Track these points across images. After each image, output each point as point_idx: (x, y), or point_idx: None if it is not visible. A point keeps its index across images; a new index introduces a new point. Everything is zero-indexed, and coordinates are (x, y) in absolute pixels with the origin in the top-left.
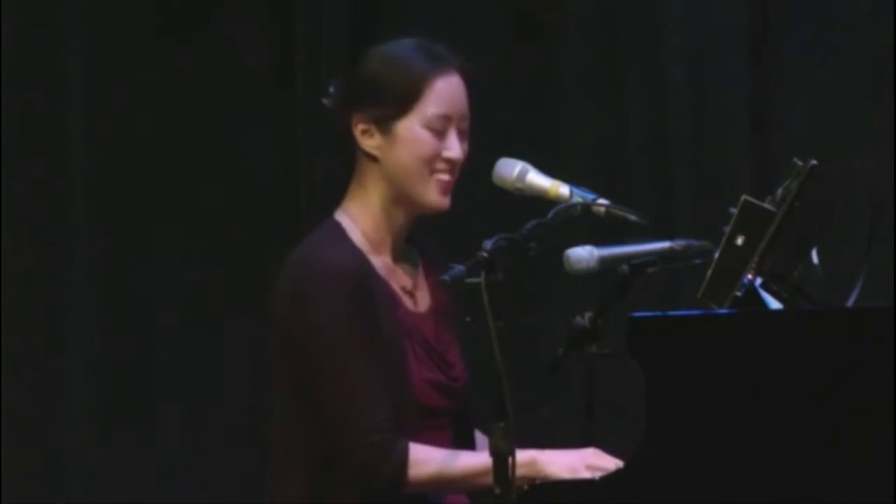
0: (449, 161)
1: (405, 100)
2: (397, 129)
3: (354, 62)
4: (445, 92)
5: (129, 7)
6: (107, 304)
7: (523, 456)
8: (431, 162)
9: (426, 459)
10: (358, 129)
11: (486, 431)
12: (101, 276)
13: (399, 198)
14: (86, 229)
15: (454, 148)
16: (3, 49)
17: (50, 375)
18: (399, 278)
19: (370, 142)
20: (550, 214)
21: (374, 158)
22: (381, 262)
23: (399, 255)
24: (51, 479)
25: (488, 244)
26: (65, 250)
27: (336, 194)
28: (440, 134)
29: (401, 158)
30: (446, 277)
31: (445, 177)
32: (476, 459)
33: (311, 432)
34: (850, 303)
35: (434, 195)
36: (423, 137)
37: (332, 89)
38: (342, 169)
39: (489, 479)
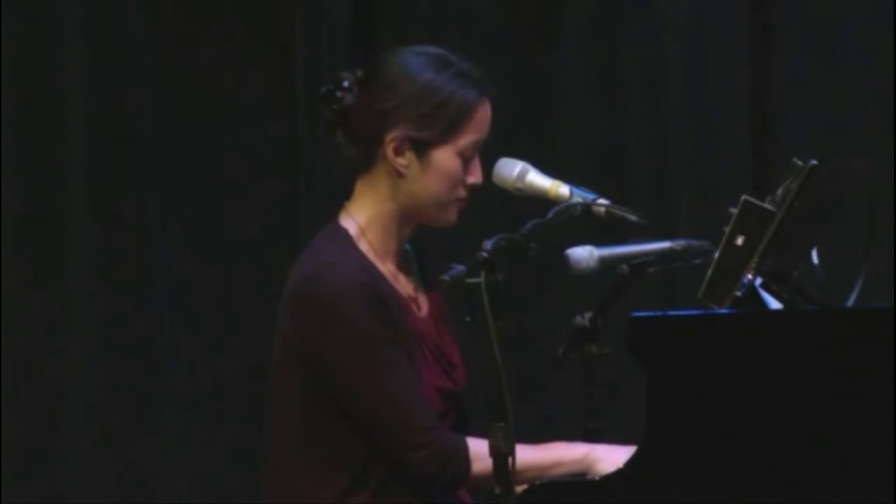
0: (472, 187)
1: (450, 130)
2: (434, 155)
3: (355, 63)
4: (483, 121)
5: (129, 7)
6: (107, 304)
7: (575, 452)
8: (456, 187)
9: (486, 454)
10: (390, 145)
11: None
12: (101, 275)
13: (415, 214)
14: (86, 229)
15: (477, 173)
16: (3, 49)
17: (50, 375)
18: (403, 284)
19: (401, 159)
20: (550, 214)
21: (399, 174)
22: (386, 269)
23: (400, 261)
24: (51, 479)
25: (488, 244)
26: (65, 250)
27: (336, 194)
28: (468, 160)
29: (430, 184)
30: (446, 277)
31: (464, 200)
32: (534, 454)
33: (322, 440)
34: (850, 303)
35: (450, 217)
36: (455, 166)
37: (347, 82)
38: (342, 169)
39: (548, 473)
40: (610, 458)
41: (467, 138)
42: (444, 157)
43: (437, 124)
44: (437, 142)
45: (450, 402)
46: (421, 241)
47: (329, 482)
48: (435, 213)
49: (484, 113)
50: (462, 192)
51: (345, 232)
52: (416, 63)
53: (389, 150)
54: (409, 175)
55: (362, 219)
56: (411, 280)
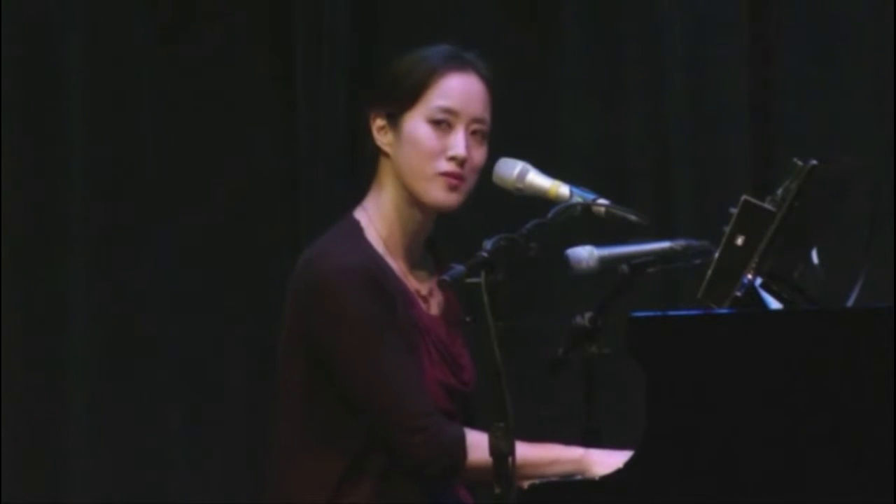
0: (453, 159)
1: (412, 93)
2: (404, 123)
3: (354, 62)
4: (454, 88)
5: (129, 7)
6: (107, 304)
7: (572, 453)
8: (434, 158)
9: (483, 445)
10: (375, 125)
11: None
12: (101, 275)
13: (410, 196)
14: (86, 229)
15: (458, 146)
16: (3, 50)
17: (50, 376)
18: (413, 282)
19: (384, 139)
20: (550, 214)
21: (388, 156)
22: (396, 264)
23: (415, 260)
24: (51, 479)
25: (488, 244)
26: (65, 250)
27: (336, 195)
28: (445, 130)
29: (406, 154)
30: (446, 277)
31: (450, 175)
32: (531, 451)
33: (321, 428)
34: (850, 303)
35: (436, 192)
36: (424, 132)
37: None
38: (342, 168)
39: (545, 470)
40: (606, 461)
41: (432, 103)
42: (413, 125)
43: (401, 92)
44: (403, 110)
45: (457, 400)
46: (439, 247)
47: (327, 470)
48: (419, 187)
49: (452, 81)
50: (444, 165)
51: (355, 223)
52: (403, 53)
53: (375, 133)
54: (394, 153)
55: (371, 210)
56: (425, 280)
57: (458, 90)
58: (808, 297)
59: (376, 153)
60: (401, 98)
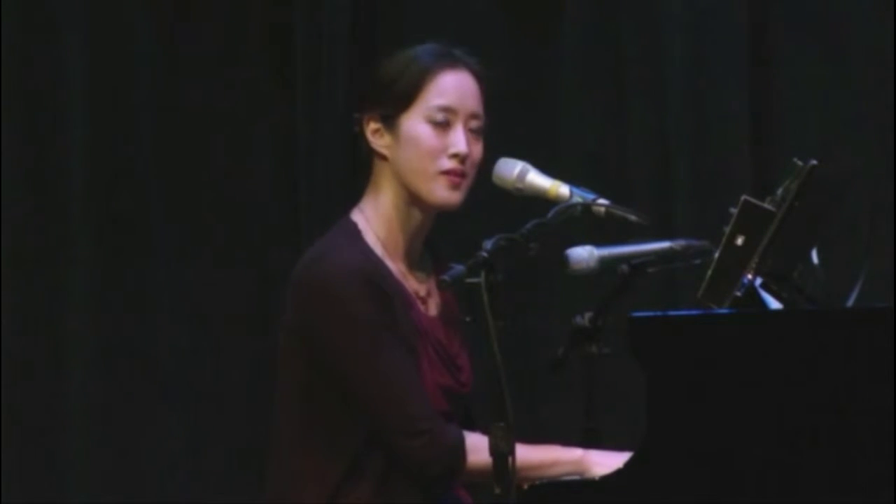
0: (455, 157)
1: (408, 94)
2: (401, 125)
3: (354, 62)
4: (449, 86)
5: (129, 6)
6: (107, 304)
7: (572, 454)
8: (436, 157)
9: (483, 447)
10: (370, 129)
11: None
12: (101, 276)
13: (410, 197)
14: (85, 230)
15: (459, 143)
16: (3, 49)
17: (50, 375)
18: (412, 283)
19: (380, 141)
20: (550, 214)
21: (385, 158)
22: (394, 266)
23: (414, 261)
24: (51, 479)
25: (488, 244)
26: (64, 250)
27: (336, 195)
28: (444, 129)
29: (406, 155)
30: (446, 277)
31: (453, 173)
32: (531, 452)
33: (320, 427)
34: (850, 303)
35: (440, 191)
36: (424, 132)
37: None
38: (342, 169)
39: (545, 472)
40: (606, 462)
41: (430, 102)
42: (411, 124)
43: (397, 93)
44: (399, 111)
45: (456, 402)
46: (437, 247)
47: (327, 470)
48: (421, 187)
49: (447, 79)
50: (446, 163)
51: (353, 225)
52: (392, 53)
53: (370, 136)
54: (392, 155)
55: (369, 212)
56: (424, 282)
57: (454, 87)
58: (808, 297)
59: (370, 156)
60: (396, 100)
